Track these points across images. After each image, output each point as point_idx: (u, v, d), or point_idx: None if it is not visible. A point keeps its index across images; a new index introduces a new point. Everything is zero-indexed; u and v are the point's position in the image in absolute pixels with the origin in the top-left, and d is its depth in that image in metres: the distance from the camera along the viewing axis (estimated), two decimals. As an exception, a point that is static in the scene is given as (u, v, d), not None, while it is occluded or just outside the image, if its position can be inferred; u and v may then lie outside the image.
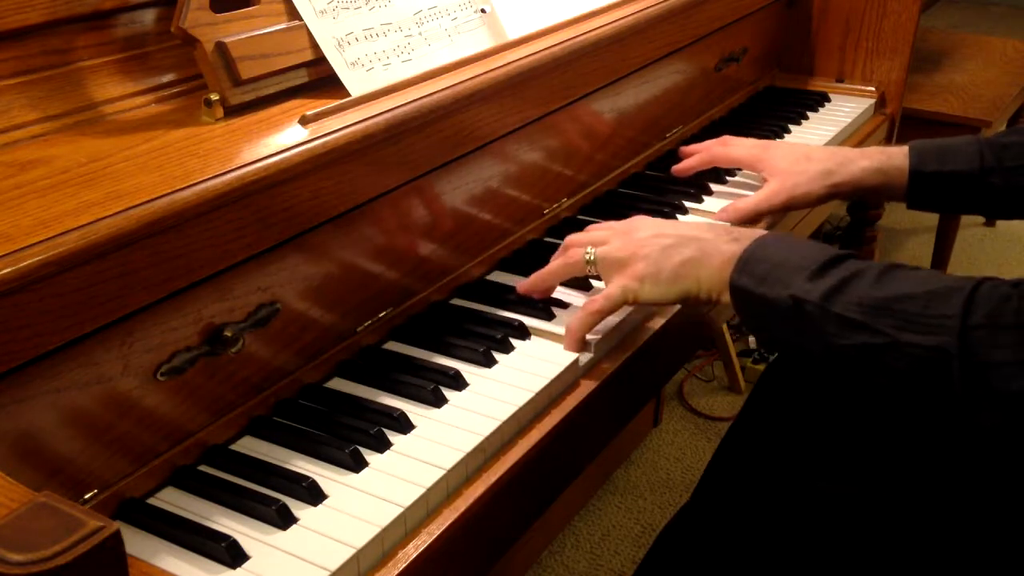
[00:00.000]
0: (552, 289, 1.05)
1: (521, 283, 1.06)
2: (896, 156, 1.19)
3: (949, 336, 0.75)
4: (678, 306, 1.09)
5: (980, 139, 1.17)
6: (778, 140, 1.47)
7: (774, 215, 1.28)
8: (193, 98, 0.97)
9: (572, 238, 1.04)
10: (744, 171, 1.37)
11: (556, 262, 1.03)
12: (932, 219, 2.54)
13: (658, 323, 1.06)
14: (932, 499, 0.91)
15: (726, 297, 0.91)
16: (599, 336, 0.99)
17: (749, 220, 1.26)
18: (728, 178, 1.38)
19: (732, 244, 0.92)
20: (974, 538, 0.86)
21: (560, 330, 1.01)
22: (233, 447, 0.86)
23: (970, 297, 0.76)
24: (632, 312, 1.03)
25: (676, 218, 1.26)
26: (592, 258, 1.00)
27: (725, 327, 2.18)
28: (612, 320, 1.01)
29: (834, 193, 1.22)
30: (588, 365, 0.98)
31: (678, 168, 1.35)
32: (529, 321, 1.02)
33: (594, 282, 1.08)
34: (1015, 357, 0.73)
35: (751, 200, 1.24)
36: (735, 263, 0.90)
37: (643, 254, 0.96)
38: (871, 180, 1.20)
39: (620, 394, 1.02)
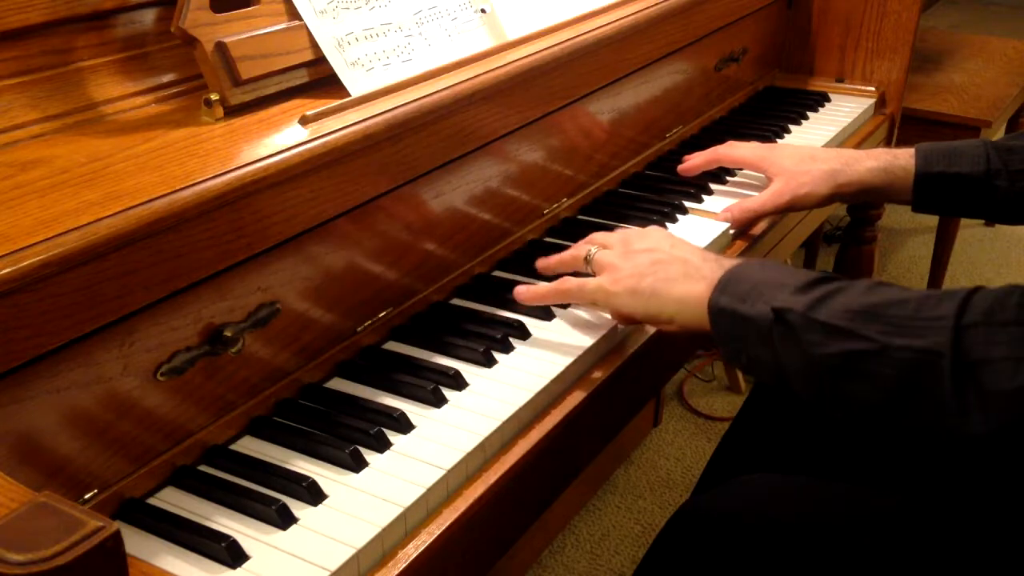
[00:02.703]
0: (548, 303, 1.03)
1: (517, 291, 1.04)
2: (902, 157, 1.19)
3: (940, 336, 0.72)
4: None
5: (987, 142, 1.17)
6: (782, 142, 1.46)
7: (777, 214, 1.28)
8: (193, 98, 0.97)
9: (591, 236, 1.06)
10: (745, 171, 1.37)
11: (567, 253, 1.05)
12: (932, 219, 2.54)
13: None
14: (931, 497, 0.91)
15: (704, 323, 0.88)
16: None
17: (753, 219, 1.25)
18: (728, 178, 1.38)
19: (717, 270, 0.89)
20: (974, 537, 0.86)
21: (560, 330, 1.01)
22: (233, 447, 0.86)
23: (965, 299, 0.73)
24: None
25: (676, 218, 1.26)
26: (591, 256, 1.00)
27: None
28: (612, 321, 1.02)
29: (839, 194, 1.22)
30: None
31: (684, 168, 1.35)
32: (529, 321, 1.02)
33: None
34: (1012, 353, 0.70)
35: (755, 200, 1.24)
36: (715, 284, 0.87)
37: (631, 263, 0.95)
38: (877, 181, 1.20)
39: (620, 394, 1.02)
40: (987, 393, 0.70)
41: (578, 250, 1.03)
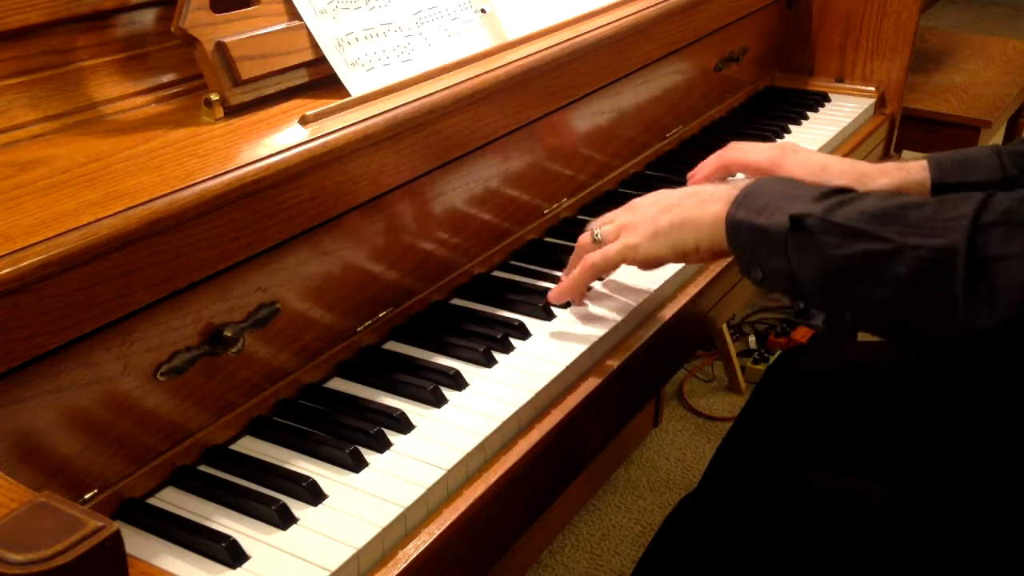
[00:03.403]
0: (582, 287, 1.03)
1: (550, 293, 1.05)
2: (914, 171, 1.16)
3: (957, 235, 0.73)
4: (680, 303, 1.08)
5: (998, 148, 1.14)
6: (794, 144, 1.40)
7: None
8: (193, 98, 0.97)
9: (588, 225, 1.05)
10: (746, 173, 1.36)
11: (571, 260, 1.04)
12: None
13: (659, 322, 1.06)
14: (936, 495, 0.91)
15: (722, 241, 0.89)
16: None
17: None
18: (729, 178, 1.38)
19: (731, 190, 0.91)
20: (974, 533, 0.86)
21: (560, 330, 1.01)
22: (233, 447, 0.86)
23: (984, 201, 0.74)
24: (633, 310, 1.04)
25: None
26: (599, 235, 1.01)
27: (725, 327, 2.18)
28: (616, 316, 1.02)
29: None
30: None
31: (693, 182, 1.33)
32: (529, 321, 1.02)
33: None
34: None
35: None
36: (732, 201, 0.88)
37: (642, 215, 0.97)
38: None
39: (620, 394, 1.02)
40: (998, 287, 0.71)
41: (581, 240, 1.03)
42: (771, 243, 0.84)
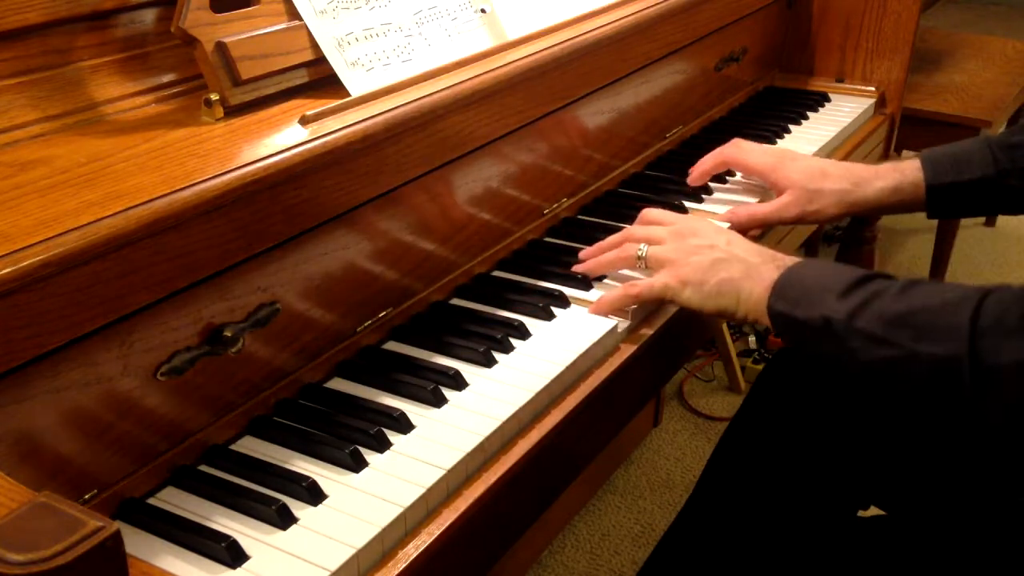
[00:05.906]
0: (620, 308, 1.06)
1: (578, 266, 1.11)
2: (909, 172, 1.19)
3: (960, 343, 0.78)
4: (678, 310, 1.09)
5: (989, 141, 1.16)
6: (793, 152, 1.36)
7: (783, 226, 1.28)
8: (193, 98, 0.97)
9: (630, 232, 1.09)
10: (744, 174, 1.36)
11: (612, 254, 1.09)
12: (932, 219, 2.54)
13: (659, 322, 1.06)
14: (929, 497, 0.91)
15: (764, 320, 0.94)
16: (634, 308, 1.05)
17: (756, 226, 1.25)
18: (728, 178, 1.38)
19: (773, 271, 0.95)
20: (966, 535, 0.86)
21: (560, 330, 1.01)
22: (233, 447, 0.86)
23: (979, 305, 0.78)
24: (633, 310, 1.04)
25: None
26: (644, 255, 1.05)
27: (725, 327, 2.18)
28: (615, 316, 1.02)
29: (848, 212, 1.23)
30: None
31: (692, 179, 1.33)
32: (529, 321, 1.02)
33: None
34: (1021, 358, 0.75)
35: (763, 208, 1.24)
36: (771, 289, 0.93)
37: (693, 261, 1.00)
38: (887, 200, 1.20)
39: (620, 394, 1.02)
40: (1003, 394, 0.76)
41: (626, 250, 1.06)
42: (811, 334, 0.89)
